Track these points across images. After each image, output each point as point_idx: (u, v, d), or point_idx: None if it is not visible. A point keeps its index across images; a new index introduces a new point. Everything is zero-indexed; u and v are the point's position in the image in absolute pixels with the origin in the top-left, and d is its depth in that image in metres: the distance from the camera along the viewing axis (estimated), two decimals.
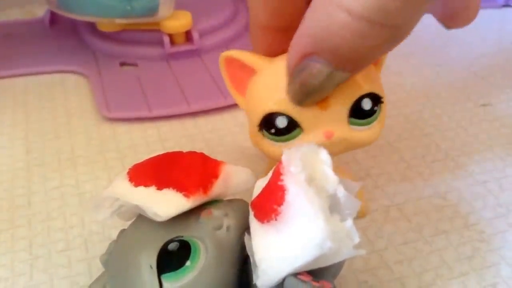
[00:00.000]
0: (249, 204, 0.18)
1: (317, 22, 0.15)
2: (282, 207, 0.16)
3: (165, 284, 0.16)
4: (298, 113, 0.18)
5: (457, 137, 0.29)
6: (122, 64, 0.36)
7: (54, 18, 0.40)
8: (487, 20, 0.42)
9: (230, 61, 0.20)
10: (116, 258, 0.18)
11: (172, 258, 0.17)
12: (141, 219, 0.18)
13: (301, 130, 0.19)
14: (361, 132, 0.19)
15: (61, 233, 0.24)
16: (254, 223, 0.17)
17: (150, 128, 0.30)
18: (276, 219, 0.16)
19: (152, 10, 0.34)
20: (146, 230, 0.17)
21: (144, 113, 0.31)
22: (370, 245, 0.23)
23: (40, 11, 0.42)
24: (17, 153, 0.29)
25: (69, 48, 0.38)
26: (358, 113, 0.19)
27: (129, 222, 0.19)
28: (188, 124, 0.31)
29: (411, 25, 0.15)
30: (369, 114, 0.19)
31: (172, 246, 0.17)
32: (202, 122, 0.31)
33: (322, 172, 0.17)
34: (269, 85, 0.19)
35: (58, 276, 0.22)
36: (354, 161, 0.27)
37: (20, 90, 0.34)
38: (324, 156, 0.17)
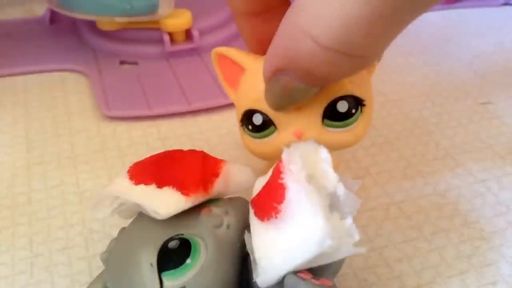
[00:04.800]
0: (249, 202, 0.18)
1: (288, 43, 0.15)
2: (282, 205, 0.16)
3: (165, 282, 0.16)
4: (272, 112, 0.19)
5: (457, 136, 0.29)
6: (122, 62, 0.36)
7: (54, 17, 0.40)
8: (487, 19, 0.42)
9: (222, 58, 0.21)
10: (116, 256, 0.18)
11: (173, 256, 0.17)
12: (142, 217, 0.18)
13: (275, 128, 0.19)
14: (336, 134, 0.19)
15: (61, 231, 0.24)
16: (254, 221, 0.17)
17: (150, 127, 0.30)
18: (276, 217, 0.16)
19: (152, 9, 0.34)
20: (146, 228, 0.17)
21: (144, 112, 0.31)
22: (370, 243, 0.23)
23: (40, 10, 0.42)
24: (17, 152, 0.29)
25: (69, 46, 0.38)
26: (333, 115, 0.19)
27: (130, 220, 0.19)
28: (189, 122, 0.31)
29: (379, 53, 0.15)
30: (346, 116, 0.19)
31: (173, 244, 0.17)
32: (203, 120, 0.31)
33: (322, 170, 0.17)
34: (250, 83, 0.20)
35: (58, 274, 0.22)
36: (353, 159, 0.27)
37: (20, 88, 0.34)
38: (324, 154, 0.17)
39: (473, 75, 0.35)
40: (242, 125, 0.20)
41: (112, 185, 0.18)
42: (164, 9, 0.34)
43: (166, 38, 0.35)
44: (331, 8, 0.13)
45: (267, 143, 0.19)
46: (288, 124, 0.19)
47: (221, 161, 0.19)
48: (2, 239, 0.23)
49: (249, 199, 0.18)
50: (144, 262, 0.16)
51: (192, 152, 0.19)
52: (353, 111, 0.19)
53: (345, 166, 0.27)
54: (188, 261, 0.16)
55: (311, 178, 0.16)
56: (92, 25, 0.38)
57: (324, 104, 0.18)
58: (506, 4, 0.44)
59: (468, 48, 0.38)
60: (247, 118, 0.20)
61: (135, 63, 0.36)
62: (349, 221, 0.16)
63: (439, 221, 0.24)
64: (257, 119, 0.19)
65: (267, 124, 0.19)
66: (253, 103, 0.19)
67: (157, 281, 0.16)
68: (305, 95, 0.17)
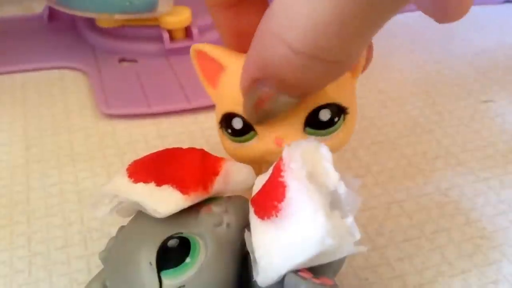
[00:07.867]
0: (249, 200, 0.18)
1: (262, 51, 0.15)
2: (282, 203, 0.16)
3: (164, 281, 0.16)
4: None
5: (459, 134, 0.29)
6: (121, 60, 0.36)
7: (53, 14, 0.40)
8: (489, 17, 0.42)
9: (201, 54, 0.20)
10: (115, 255, 0.17)
11: (172, 255, 0.16)
12: (141, 215, 0.18)
13: (256, 133, 0.19)
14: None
15: (60, 229, 0.23)
16: (254, 219, 0.17)
17: (150, 125, 0.30)
18: (276, 216, 0.16)
19: (152, 6, 0.34)
20: (145, 227, 0.17)
21: (144, 110, 0.31)
22: (371, 242, 0.23)
23: (39, 7, 0.42)
24: (16, 150, 0.28)
25: (68, 44, 0.38)
26: (315, 123, 0.18)
27: (129, 219, 0.19)
28: (188, 120, 0.31)
29: (353, 57, 0.15)
30: (328, 125, 0.18)
31: (172, 243, 0.17)
32: (202, 118, 0.31)
33: (322, 168, 0.16)
34: (230, 85, 0.19)
35: (57, 273, 0.21)
36: (354, 158, 0.27)
37: (18, 86, 0.34)
38: (324, 152, 0.17)
39: (475, 73, 0.35)
40: (221, 127, 0.20)
41: (111, 183, 0.18)
42: (163, 6, 0.34)
43: (166, 35, 0.35)
44: (302, 12, 0.13)
45: (247, 147, 0.19)
46: (269, 131, 0.18)
47: (221, 159, 0.19)
48: (0, 237, 0.23)
49: (249, 197, 0.18)
50: (143, 261, 0.16)
51: (191, 150, 0.19)
52: (336, 119, 0.18)
53: (346, 164, 0.27)
54: (188, 260, 0.16)
55: (311, 176, 0.16)
56: (91, 22, 0.38)
57: (306, 112, 0.18)
58: (507, 1, 0.44)
59: (469, 46, 0.38)
60: (226, 121, 0.19)
61: (135, 61, 0.36)
62: (350, 219, 0.15)
63: (441, 220, 0.24)
64: (237, 123, 0.19)
65: (248, 129, 0.19)
66: (233, 107, 0.19)
67: (156, 280, 0.16)
68: (282, 106, 0.17)
